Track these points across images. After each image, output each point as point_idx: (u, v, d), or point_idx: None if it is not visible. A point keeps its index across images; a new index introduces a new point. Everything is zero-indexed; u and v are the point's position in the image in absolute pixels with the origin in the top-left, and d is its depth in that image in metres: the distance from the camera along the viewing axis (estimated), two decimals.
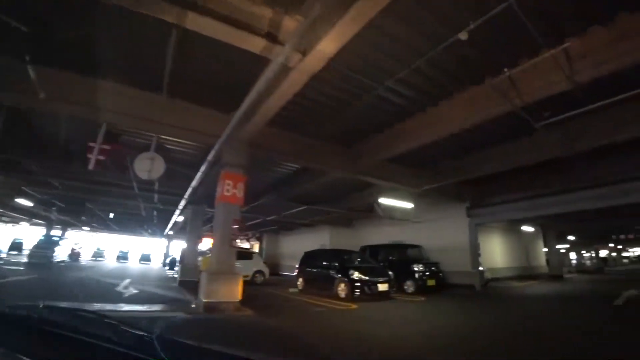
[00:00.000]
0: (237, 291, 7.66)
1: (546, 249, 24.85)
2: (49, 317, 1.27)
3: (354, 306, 8.94)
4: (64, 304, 1.75)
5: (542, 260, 25.26)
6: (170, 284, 13.74)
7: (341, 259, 11.47)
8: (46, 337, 1.13)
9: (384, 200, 11.98)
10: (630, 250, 54.44)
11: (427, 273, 12.17)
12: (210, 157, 8.15)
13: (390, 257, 13.42)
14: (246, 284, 15.59)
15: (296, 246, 22.41)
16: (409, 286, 12.02)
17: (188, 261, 15.43)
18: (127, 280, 13.32)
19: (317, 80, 6.14)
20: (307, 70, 5.26)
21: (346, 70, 6.24)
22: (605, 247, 40.29)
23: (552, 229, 21.84)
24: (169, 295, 10.10)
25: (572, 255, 35.87)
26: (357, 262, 11.61)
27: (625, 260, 51.09)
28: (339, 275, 10.66)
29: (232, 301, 7.48)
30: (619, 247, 46.80)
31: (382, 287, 10.26)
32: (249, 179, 12.89)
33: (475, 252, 13.57)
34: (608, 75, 5.26)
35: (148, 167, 8.35)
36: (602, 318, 7.37)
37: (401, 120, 8.25)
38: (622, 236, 29.19)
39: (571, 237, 27.59)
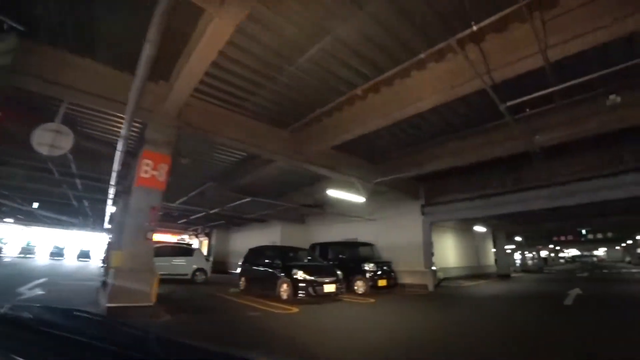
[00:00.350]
0: (151, 293, 6.39)
1: (495, 250, 25.51)
2: (44, 317, 1.29)
3: (295, 309, 7.95)
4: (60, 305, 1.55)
5: (492, 260, 25.89)
6: (96, 285, 11.99)
7: (285, 257, 10.45)
8: (41, 337, 1.12)
9: (333, 193, 11.05)
10: (565, 251, 58.73)
11: (379, 272, 11.47)
12: (123, 131, 6.76)
13: (341, 256, 12.61)
14: (184, 283, 14.45)
15: (247, 243, 20.98)
16: (359, 287, 11.24)
17: None
18: (43, 279, 11.42)
19: (247, 40, 5.08)
20: (230, 18, 4.17)
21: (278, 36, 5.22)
22: (545, 248, 42.65)
23: (501, 230, 22.27)
24: (78, 299, 8.51)
25: (517, 256, 37.48)
26: (302, 261, 10.65)
27: (561, 260, 54.91)
28: (282, 275, 9.60)
29: (144, 305, 6.22)
30: (557, 248, 50.04)
31: (329, 287, 9.35)
32: (190, 169, 11.75)
33: (428, 251, 13.11)
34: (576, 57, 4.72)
35: (50, 140, 6.77)
36: (556, 319, 6.96)
37: (351, 103, 7.36)
38: (563, 237, 30.78)
39: (518, 239, 28.54)
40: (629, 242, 37.80)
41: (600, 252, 61.35)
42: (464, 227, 20.16)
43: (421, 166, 9.92)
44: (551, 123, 7.71)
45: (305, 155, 8.93)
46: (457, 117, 7.96)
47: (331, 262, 12.28)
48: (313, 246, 14.00)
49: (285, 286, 9.34)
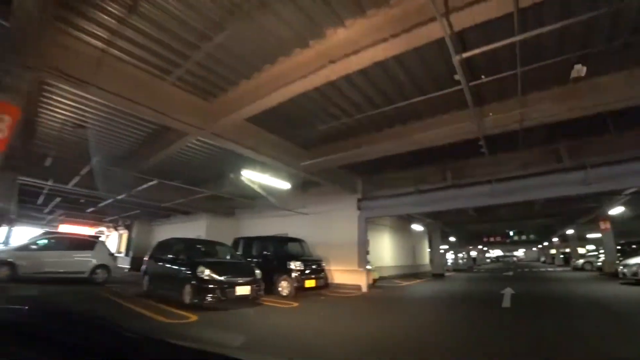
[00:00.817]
0: None
1: (430, 249, 25.74)
2: (33, 320, 1.25)
3: (194, 318, 6.33)
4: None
5: (427, 260, 26.10)
6: None
7: (193, 252, 8.73)
8: (31, 340, 1.10)
9: (249, 175, 9.41)
10: (491, 251, 62.98)
11: (307, 272, 10.15)
12: None
13: (265, 252, 11.10)
14: (80, 283, 11.91)
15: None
16: (284, 288, 9.84)
17: None
18: None
19: None
20: None
21: None
22: (475, 248, 44.94)
23: (437, 230, 22.32)
24: None
25: (449, 255, 38.86)
26: (217, 257, 9.00)
27: (488, 260, 58.67)
28: (188, 274, 7.87)
29: None
30: (485, 248, 53.27)
31: (243, 290, 7.80)
32: (87, 143, 9.46)
33: (363, 249, 12.11)
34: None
35: None
36: (499, 324, 6.15)
37: (273, 61, 5.89)
38: (492, 239, 32.31)
39: (452, 239, 29.25)
40: (545, 243, 41.01)
41: (520, 252, 66.86)
42: (401, 225, 19.75)
43: (355, 152, 8.74)
44: (503, 107, 6.98)
45: (217, 127, 7.28)
46: (397, 90, 6.82)
47: (255, 259, 10.78)
48: (237, 241, 12.36)
49: (189, 288, 7.63)
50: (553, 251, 40.95)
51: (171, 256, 8.94)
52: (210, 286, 7.47)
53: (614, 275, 15.83)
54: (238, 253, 11.49)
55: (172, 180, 11.75)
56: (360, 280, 11.66)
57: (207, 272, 7.62)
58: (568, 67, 5.90)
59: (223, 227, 18.22)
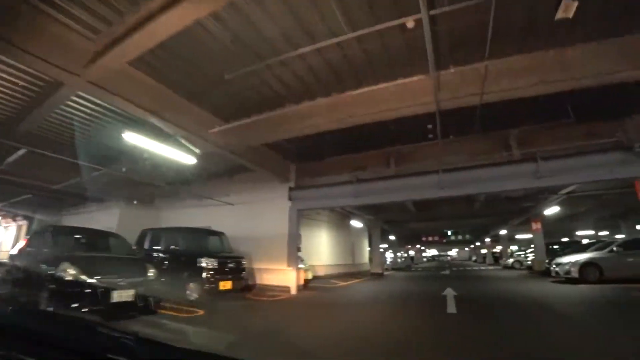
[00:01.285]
0: None
1: (370, 248, 25.02)
2: (20, 321, 1.21)
3: None
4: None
5: (366, 258, 25.36)
6: None
7: (63, 245, 6.54)
8: (17, 342, 1.05)
9: (132, 138, 7.14)
10: (427, 250, 65.37)
11: (223, 271, 8.34)
12: None
13: (173, 247, 9.06)
14: None
15: None
16: (192, 290, 7.93)
17: None
18: None
19: None
20: None
21: None
22: (413, 247, 45.80)
23: (377, 227, 21.56)
24: None
25: (389, 254, 39.02)
26: (95, 252, 6.83)
27: (424, 259, 60.68)
28: (49, 274, 5.70)
29: None
30: (422, 248, 54.89)
31: (124, 295, 5.80)
32: None
33: (294, 246, 10.56)
34: None
35: None
36: (450, 339, 4.89)
37: None
38: (430, 238, 32.74)
39: (392, 237, 28.98)
40: (477, 243, 42.99)
41: (453, 252, 70.37)
42: (340, 221, 18.59)
43: (275, 120, 7.12)
44: (463, 76, 5.81)
45: (96, 73, 5.21)
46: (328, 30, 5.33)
47: (162, 255, 8.77)
48: (143, 233, 10.14)
49: (45, 293, 5.48)
50: (484, 251, 43.06)
51: (33, 250, 6.66)
52: (74, 290, 5.41)
53: (544, 274, 16.13)
54: (139, 247, 9.39)
55: (60, 154, 9.17)
56: (289, 280, 10.08)
57: (71, 271, 5.53)
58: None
59: (140, 217, 15.50)
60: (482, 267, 28.60)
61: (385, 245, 37.15)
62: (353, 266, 21.55)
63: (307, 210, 11.39)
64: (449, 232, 27.74)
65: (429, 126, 8.02)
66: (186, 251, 8.66)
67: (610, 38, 5.57)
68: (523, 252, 29.07)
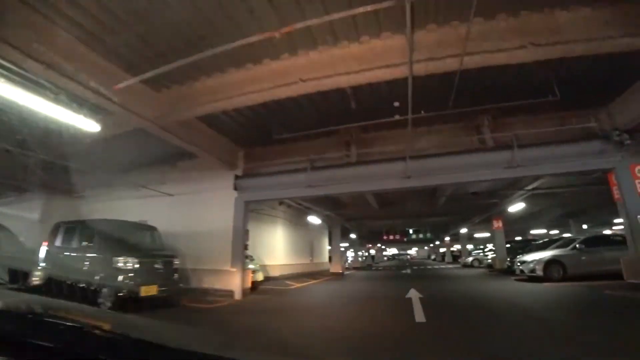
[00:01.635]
0: None
1: (330, 247, 23.98)
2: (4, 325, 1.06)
3: None
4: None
5: (327, 257, 24.30)
6: None
7: None
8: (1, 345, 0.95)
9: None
10: (388, 249, 65.81)
11: (147, 273, 6.78)
12: None
13: (86, 244, 7.32)
14: None
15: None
16: (106, 297, 6.32)
17: None
18: None
19: None
20: None
21: None
22: (374, 246, 45.60)
23: (337, 225, 20.52)
24: None
25: (350, 253, 38.33)
26: None
27: (385, 258, 60.91)
28: None
29: None
30: (383, 247, 54.99)
31: None
32: None
33: (240, 243, 9.14)
34: None
35: None
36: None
37: None
38: (391, 237, 32.24)
39: (353, 236, 28.12)
40: (437, 242, 43.47)
41: (413, 251, 71.38)
42: (298, 218, 17.32)
43: (222, 94, 5.75)
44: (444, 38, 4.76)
45: None
46: None
47: (73, 254, 7.07)
48: (57, 226, 8.29)
49: None
50: (443, 249, 43.65)
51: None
52: None
53: (506, 272, 15.88)
54: (50, 244, 7.61)
55: None
56: (233, 284, 8.65)
57: None
58: None
59: (66, 210, 13.34)
60: (442, 266, 28.56)
61: (347, 244, 36.48)
62: (312, 265, 20.38)
63: (256, 202, 9.94)
64: (411, 231, 27.36)
65: (396, 104, 6.96)
66: (101, 249, 6.97)
67: (604, 3, 4.90)
68: (481, 251, 29.55)
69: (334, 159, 8.44)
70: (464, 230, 25.67)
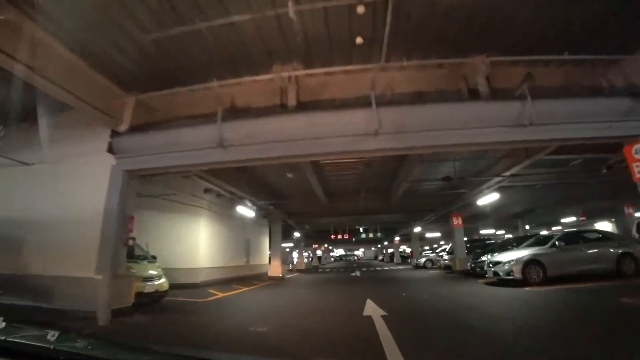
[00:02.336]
0: None
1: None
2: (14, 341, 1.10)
3: None
4: None
5: (267, 259, 21.18)
6: None
7: None
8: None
9: None
10: (335, 250, 64.01)
11: None
12: None
13: None
14: None
15: None
16: None
17: None
18: None
19: None
20: None
21: None
22: (321, 246, 43.06)
23: (277, 221, 17.55)
24: None
25: (296, 254, 35.49)
26: None
27: (332, 259, 58.93)
28: None
29: None
30: (330, 247, 52.85)
31: None
32: None
33: (115, 235, 5.86)
34: None
35: None
36: None
37: None
38: (339, 236, 29.96)
39: (297, 234, 25.38)
40: (386, 243, 42.25)
41: (359, 252, 70.46)
42: (229, 212, 14.07)
43: None
44: None
45: None
46: None
47: None
48: None
49: None
50: (391, 250, 42.55)
51: None
52: None
53: (467, 274, 14.12)
54: None
55: None
56: (96, 300, 5.37)
57: None
58: None
59: None
60: (392, 267, 26.75)
61: (291, 244, 33.63)
62: (248, 268, 17.23)
63: (145, 173, 6.52)
64: (361, 229, 25.21)
65: (359, 40, 4.35)
66: None
67: None
68: (431, 251, 28.35)
69: (261, 109, 5.55)
70: (417, 229, 24.03)
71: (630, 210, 17.42)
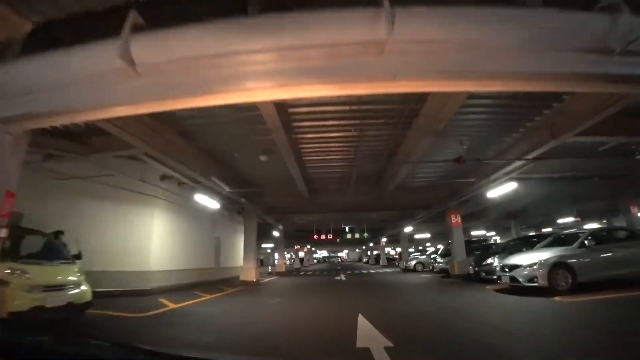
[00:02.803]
0: None
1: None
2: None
3: None
4: None
5: (242, 261, 19.02)
6: None
7: None
8: None
9: None
10: (318, 251, 61.98)
11: None
12: None
13: None
14: None
15: None
16: None
17: None
18: None
19: None
20: None
21: None
22: (303, 247, 40.89)
23: (252, 217, 15.27)
24: None
25: (277, 255, 33.21)
26: None
27: (315, 261, 56.86)
28: None
29: None
30: (313, 248, 50.70)
31: None
32: None
33: None
34: None
35: None
36: None
37: None
38: (322, 236, 27.98)
39: (276, 233, 23.22)
40: (371, 244, 40.48)
41: (343, 253, 68.63)
42: (193, 205, 11.85)
43: None
44: None
45: None
46: None
47: None
48: None
49: None
50: (376, 252, 40.80)
51: None
52: None
53: (467, 278, 12.37)
54: None
55: None
56: None
57: None
58: None
59: None
60: (379, 270, 24.88)
61: (272, 245, 31.45)
62: (218, 271, 15.04)
63: (26, 127, 4.18)
64: (347, 229, 23.23)
65: None
66: None
67: None
68: (420, 253, 26.70)
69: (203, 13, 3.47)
70: (409, 229, 22.19)
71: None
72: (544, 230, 26.52)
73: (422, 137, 7.33)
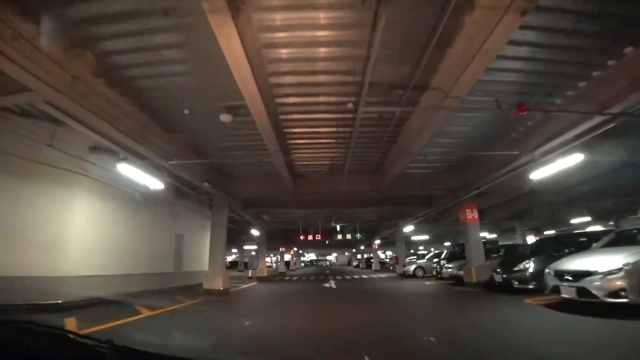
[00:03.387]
0: None
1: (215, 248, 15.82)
2: None
3: None
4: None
5: (217, 264, 16.20)
6: None
7: None
8: None
9: None
10: (306, 254, 59.20)
11: None
12: None
13: None
14: None
15: None
16: None
17: None
18: None
19: None
20: None
21: None
22: (289, 250, 37.98)
23: (222, 208, 12.26)
24: None
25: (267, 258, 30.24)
26: None
27: (302, 264, 54.08)
28: None
29: None
30: (300, 251, 47.88)
31: None
32: None
33: None
34: None
35: None
36: None
37: None
38: (310, 237, 25.35)
39: (256, 232, 20.37)
40: (362, 247, 37.89)
41: (332, 257, 65.82)
42: (144, 188, 9.08)
43: None
44: None
45: None
46: None
47: None
48: None
49: None
50: (366, 255, 38.26)
51: None
52: None
53: (487, 286, 9.82)
54: None
55: None
56: None
57: None
58: None
59: None
60: (373, 275, 22.23)
61: (254, 246, 28.57)
62: (179, 277, 12.23)
63: None
64: (338, 227, 20.53)
65: None
66: None
67: None
68: (415, 257, 24.33)
69: None
70: (409, 228, 19.57)
71: None
72: (547, 232, 24.33)
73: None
